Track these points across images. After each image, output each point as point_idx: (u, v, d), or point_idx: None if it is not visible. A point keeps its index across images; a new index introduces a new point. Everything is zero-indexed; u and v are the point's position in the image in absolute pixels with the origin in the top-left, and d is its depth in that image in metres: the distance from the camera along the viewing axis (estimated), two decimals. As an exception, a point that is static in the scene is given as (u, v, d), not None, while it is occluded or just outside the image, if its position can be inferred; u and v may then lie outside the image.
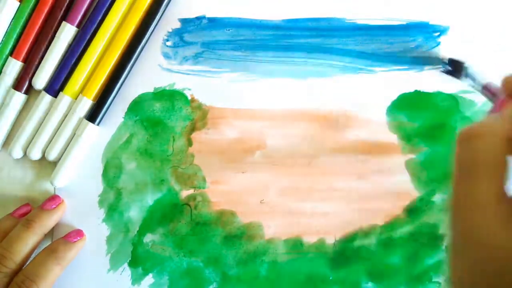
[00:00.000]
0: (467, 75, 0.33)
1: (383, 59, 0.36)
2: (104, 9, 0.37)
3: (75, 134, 0.37)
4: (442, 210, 0.35)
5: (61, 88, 0.37)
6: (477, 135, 0.19)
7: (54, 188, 0.37)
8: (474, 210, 0.18)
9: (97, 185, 0.37)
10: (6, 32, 0.37)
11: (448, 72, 0.35)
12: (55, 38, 0.37)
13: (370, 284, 0.35)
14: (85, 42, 0.37)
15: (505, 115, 0.20)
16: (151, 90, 0.37)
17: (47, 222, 0.35)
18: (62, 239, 0.35)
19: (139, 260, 0.37)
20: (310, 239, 0.36)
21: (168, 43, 0.37)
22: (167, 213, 0.37)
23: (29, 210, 0.36)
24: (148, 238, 0.37)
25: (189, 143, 0.37)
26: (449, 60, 0.35)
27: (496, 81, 0.35)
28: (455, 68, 0.35)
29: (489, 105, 0.35)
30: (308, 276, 0.36)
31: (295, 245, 0.36)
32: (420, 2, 0.36)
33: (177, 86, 0.37)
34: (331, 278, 0.36)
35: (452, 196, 0.19)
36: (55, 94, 0.37)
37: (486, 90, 0.30)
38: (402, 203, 0.36)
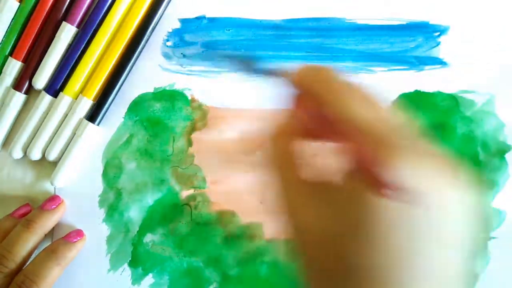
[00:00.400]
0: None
1: (383, 59, 0.36)
2: (104, 9, 0.37)
3: (75, 134, 0.37)
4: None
5: (61, 88, 0.37)
6: (272, 138, 0.22)
7: (54, 188, 0.37)
8: (286, 200, 0.21)
9: (97, 185, 0.37)
10: (6, 32, 0.37)
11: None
12: (55, 38, 0.37)
13: (370, 284, 0.35)
14: (85, 42, 0.37)
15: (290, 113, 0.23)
16: (151, 90, 0.37)
17: (47, 222, 0.35)
18: (62, 239, 0.35)
19: (139, 260, 0.36)
20: (310, 239, 0.36)
21: (168, 43, 0.37)
22: (167, 213, 0.37)
23: (29, 210, 0.36)
24: (148, 238, 0.37)
25: (189, 143, 0.37)
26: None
27: (493, 82, 0.35)
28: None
29: (490, 105, 0.35)
30: (308, 276, 0.36)
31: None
32: (420, 2, 0.36)
33: (177, 86, 0.37)
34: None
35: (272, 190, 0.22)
36: (55, 94, 0.37)
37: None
38: (402, 203, 0.36)
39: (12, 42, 0.37)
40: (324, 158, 0.22)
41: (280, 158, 0.22)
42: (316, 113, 0.22)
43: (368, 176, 0.18)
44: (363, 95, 0.20)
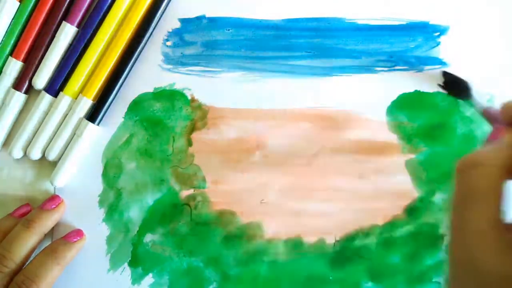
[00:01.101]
0: (468, 96, 0.33)
1: (383, 59, 0.36)
2: (104, 9, 0.37)
3: (75, 134, 0.37)
4: (442, 210, 0.35)
5: (61, 88, 0.37)
6: (475, 164, 0.19)
7: (54, 188, 0.37)
8: (469, 238, 0.18)
9: (97, 185, 0.37)
10: (6, 32, 0.37)
11: (447, 88, 0.35)
12: (55, 38, 0.37)
13: (370, 284, 0.35)
14: (85, 42, 0.37)
15: (503, 143, 0.21)
16: (151, 90, 0.37)
17: (47, 222, 0.35)
18: (62, 239, 0.35)
19: (139, 260, 0.37)
20: (310, 239, 0.36)
21: (168, 43, 0.37)
22: (167, 213, 0.37)
23: (29, 210, 0.36)
24: (148, 238, 0.37)
25: (189, 143, 0.37)
26: (448, 76, 0.35)
27: (493, 82, 0.36)
28: (456, 86, 0.35)
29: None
30: (308, 276, 0.36)
31: (295, 245, 0.36)
32: (420, 2, 0.36)
33: (177, 86, 0.37)
34: (331, 278, 0.36)
35: (450, 223, 0.19)
36: (55, 94, 0.37)
37: (486, 114, 0.30)
38: (402, 203, 0.36)
39: (12, 42, 0.37)
40: None
41: (466, 195, 0.19)
42: None
43: None
44: None
